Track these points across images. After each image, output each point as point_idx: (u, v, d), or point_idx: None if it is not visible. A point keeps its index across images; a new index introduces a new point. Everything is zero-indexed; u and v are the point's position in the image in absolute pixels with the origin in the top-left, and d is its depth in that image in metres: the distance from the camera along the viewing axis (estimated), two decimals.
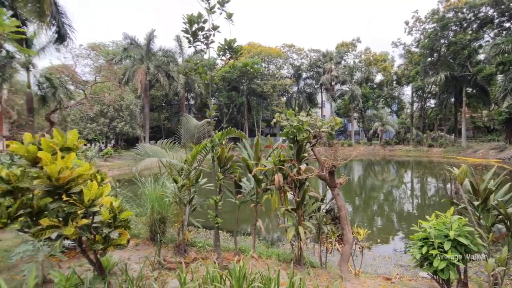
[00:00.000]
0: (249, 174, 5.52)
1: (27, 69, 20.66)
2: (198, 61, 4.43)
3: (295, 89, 53.17)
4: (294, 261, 4.76)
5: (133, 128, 30.04)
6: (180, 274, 3.71)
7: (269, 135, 35.37)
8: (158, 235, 4.93)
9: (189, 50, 38.51)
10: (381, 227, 10.09)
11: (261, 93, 44.99)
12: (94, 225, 3.23)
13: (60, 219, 3.00)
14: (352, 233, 4.60)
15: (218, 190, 5.25)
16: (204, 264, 4.83)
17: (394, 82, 49.12)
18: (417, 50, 41.01)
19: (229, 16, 4.14)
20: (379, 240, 8.02)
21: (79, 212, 2.80)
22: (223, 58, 4.50)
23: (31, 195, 2.97)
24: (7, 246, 5.84)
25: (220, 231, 5.51)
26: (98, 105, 27.38)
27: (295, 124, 4.36)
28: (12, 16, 5.99)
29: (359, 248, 4.94)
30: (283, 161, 4.81)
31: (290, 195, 5.03)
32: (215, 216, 4.45)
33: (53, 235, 2.92)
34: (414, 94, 44.75)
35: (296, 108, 6.58)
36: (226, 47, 4.21)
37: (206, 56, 4.46)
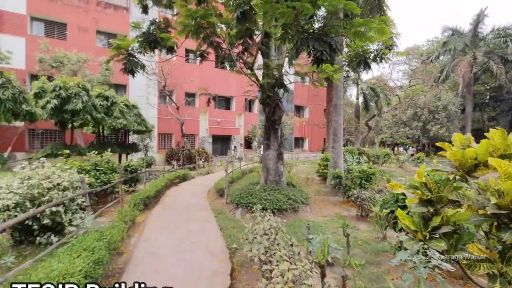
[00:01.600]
0: None
1: (357, 84, 24.86)
2: None
3: None
4: None
5: (449, 131, 26.03)
6: None
7: None
8: None
9: None
10: None
11: None
12: None
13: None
14: None
15: None
16: None
17: None
18: None
19: None
20: None
21: None
22: None
23: (449, 210, 2.45)
24: (364, 237, 6.53)
25: None
26: (411, 108, 26.79)
27: None
28: None
29: None
30: None
31: None
32: None
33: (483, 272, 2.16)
34: None
35: None
36: None
37: None
